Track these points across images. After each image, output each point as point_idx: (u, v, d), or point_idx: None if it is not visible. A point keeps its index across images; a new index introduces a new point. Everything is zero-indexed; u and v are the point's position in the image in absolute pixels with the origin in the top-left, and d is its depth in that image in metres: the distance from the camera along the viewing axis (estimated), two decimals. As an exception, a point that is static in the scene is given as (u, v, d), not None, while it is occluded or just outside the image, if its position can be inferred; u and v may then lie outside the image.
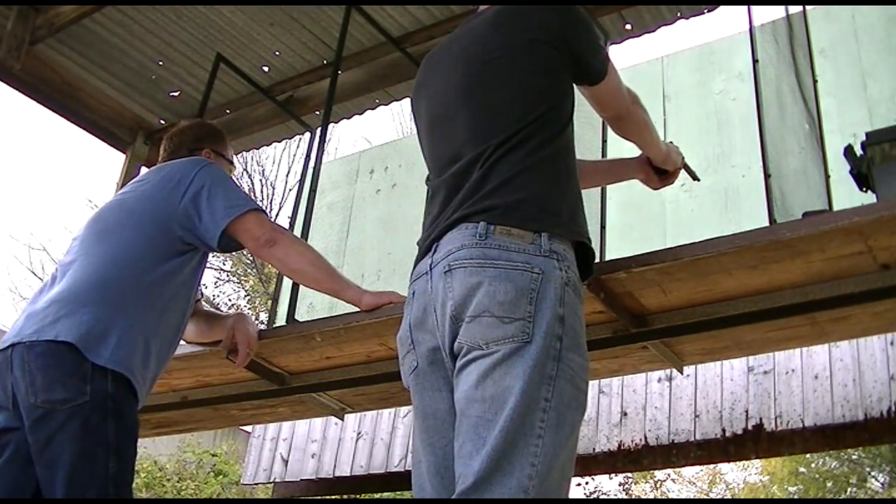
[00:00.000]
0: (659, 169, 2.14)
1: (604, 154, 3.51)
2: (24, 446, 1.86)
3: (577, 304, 1.54)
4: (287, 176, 14.02)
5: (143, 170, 4.49)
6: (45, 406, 1.83)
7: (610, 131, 2.04)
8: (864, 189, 2.14)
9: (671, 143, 2.14)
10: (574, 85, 1.77)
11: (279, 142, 4.96)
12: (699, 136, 4.12)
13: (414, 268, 1.69)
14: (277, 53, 4.26)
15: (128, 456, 1.89)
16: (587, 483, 12.26)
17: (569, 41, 1.71)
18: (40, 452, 1.83)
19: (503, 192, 1.57)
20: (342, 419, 3.23)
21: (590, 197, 3.46)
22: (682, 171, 2.18)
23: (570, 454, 1.47)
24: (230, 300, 13.94)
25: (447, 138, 1.73)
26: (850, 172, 2.19)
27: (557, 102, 1.69)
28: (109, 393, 1.87)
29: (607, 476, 12.10)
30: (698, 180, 2.24)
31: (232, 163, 2.50)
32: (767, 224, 2.74)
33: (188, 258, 2.14)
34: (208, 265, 2.32)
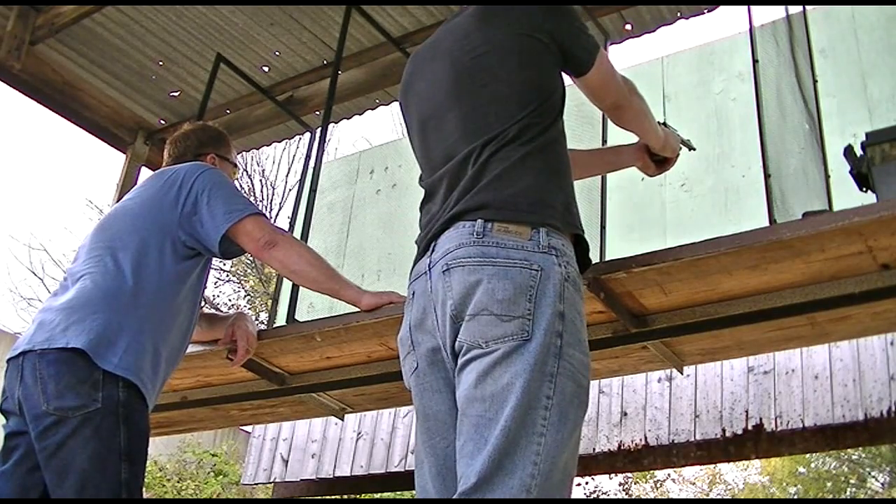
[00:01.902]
0: (655, 156, 2.13)
1: (603, 151, 3.49)
2: (33, 450, 1.87)
3: (578, 300, 1.53)
4: (287, 176, 14.02)
5: (144, 170, 4.51)
6: (58, 413, 1.83)
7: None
8: (864, 189, 2.14)
9: (666, 124, 2.10)
10: (568, 78, 1.77)
11: (279, 142, 4.96)
12: (699, 136, 4.09)
13: (413, 267, 1.69)
14: (277, 53, 4.26)
15: (139, 461, 1.90)
16: (587, 483, 12.26)
17: (553, 33, 1.70)
18: (50, 458, 1.83)
19: (498, 186, 1.57)
20: (342, 419, 3.23)
21: (590, 197, 3.47)
22: (680, 151, 2.15)
23: (572, 452, 1.46)
24: (230, 300, 13.93)
25: (439, 137, 1.73)
26: (850, 172, 2.19)
27: (547, 96, 1.68)
28: (121, 399, 1.88)
29: (607, 476, 12.10)
30: (694, 149, 2.21)
31: (236, 165, 2.54)
32: (767, 224, 2.74)
33: (194, 263, 2.16)
34: (208, 265, 2.33)
